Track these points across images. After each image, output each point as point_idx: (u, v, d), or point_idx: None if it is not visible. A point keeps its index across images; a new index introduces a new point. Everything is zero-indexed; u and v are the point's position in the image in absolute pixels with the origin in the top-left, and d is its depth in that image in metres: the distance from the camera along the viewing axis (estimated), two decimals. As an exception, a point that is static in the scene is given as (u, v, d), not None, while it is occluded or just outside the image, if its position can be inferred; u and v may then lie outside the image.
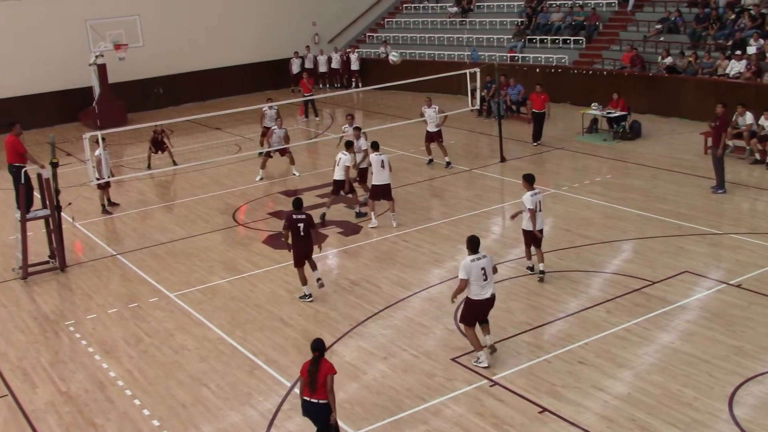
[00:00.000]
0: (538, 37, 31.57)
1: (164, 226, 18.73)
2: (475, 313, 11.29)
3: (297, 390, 10.90)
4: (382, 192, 17.26)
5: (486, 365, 11.25)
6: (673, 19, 28.10)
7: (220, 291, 14.69)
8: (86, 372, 12.04)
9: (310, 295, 13.91)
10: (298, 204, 13.77)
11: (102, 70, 31.05)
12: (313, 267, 14.03)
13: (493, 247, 15.83)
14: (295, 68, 36.29)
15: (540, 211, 13.94)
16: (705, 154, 20.84)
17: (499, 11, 35.38)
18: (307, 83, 30.00)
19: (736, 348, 11.35)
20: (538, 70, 29.52)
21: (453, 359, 11.57)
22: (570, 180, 19.88)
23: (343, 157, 17.69)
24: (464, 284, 11.07)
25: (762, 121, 20.31)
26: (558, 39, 30.90)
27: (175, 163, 23.48)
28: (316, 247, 14.02)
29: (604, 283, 13.88)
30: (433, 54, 34.89)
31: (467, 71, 23.37)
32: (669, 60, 26.14)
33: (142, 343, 12.84)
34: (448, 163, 21.80)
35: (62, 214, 16.40)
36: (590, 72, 28.31)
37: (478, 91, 23.82)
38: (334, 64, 37.02)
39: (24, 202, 16.04)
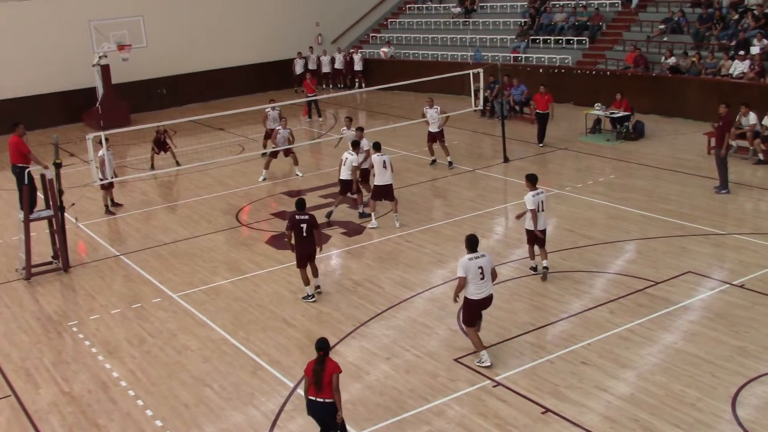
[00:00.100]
0: (541, 38, 31.56)
1: (167, 226, 18.75)
2: (475, 312, 11.36)
3: (300, 390, 10.93)
4: (385, 192, 17.27)
5: (488, 364, 11.26)
6: (676, 19, 28.06)
7: (223, 291, 14.70)
8: (89, 372, 12.05)
9: (312, 295, 13.92)
10: (301, 204, 13.77)
11: (105, 70, 31.10)
12: (315, 273, 14.04)
13: (496, 248, 15.83)
14: (299, 69, 36.30)
15: (542, 211, 13.94)
16: (708, 155, 20.82)
17: (502, 11, 35.36)
18: (311, 84, 30.01)
19: (739, 348, 11.33)
20: (541, 70, 29.51)
21: (456, 360, 11.57)
22: (573, 180, 19.86)
23: (350, 157, 17.69)
24: (463, 281, 11.14)
25: (765, 121, 20.28)
26: (561, 39, 30.87)
27: (178, 164, 23.51)
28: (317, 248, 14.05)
29: (607, 284, 13.86)
30: (436, 54, 34.89)
31: (470, 71, 23.36)
32: (672, 60, 26.11)
33: (145, 343, 12.85)
34: (450, 163, 21.80)
35: (65, 214, 16.43)
36: (593, 72, 28.28)
37: (481, 91, 23.81)
38: (338, 65, 37.02)
39: (27, 202, 16.07)
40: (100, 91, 31.44)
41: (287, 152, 21.99)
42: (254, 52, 36.59)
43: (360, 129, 19.18)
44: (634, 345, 11.61)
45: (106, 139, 18.97)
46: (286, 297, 14.20)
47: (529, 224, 13.97)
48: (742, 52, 24.75)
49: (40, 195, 16.69)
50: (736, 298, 12.89)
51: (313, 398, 8.98)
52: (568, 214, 17.40)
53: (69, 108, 32.02)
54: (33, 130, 26.92)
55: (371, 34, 39.21)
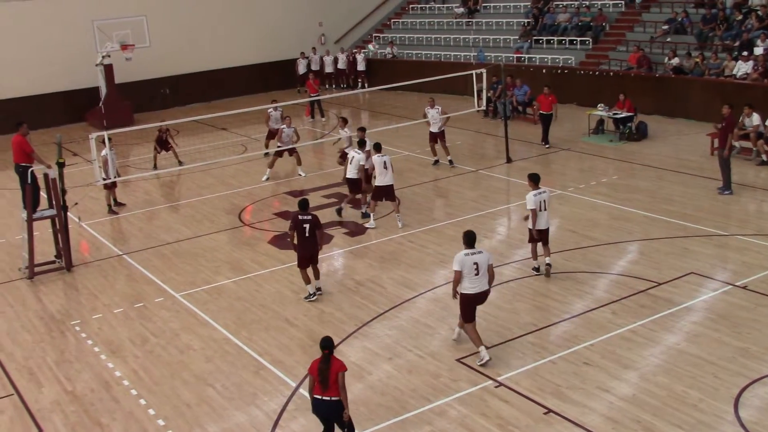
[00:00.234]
0: (544, 38, 31.56)
1: (170, 226, 18.77)
2: (472, 307, 11.46)
3: (302, 390, 10.94)
4: (386, 193, 17.28)
5: (487, 358, 11.30)
6: (679, 19, 28.06)
7: (225, 291, 14.71)
8: (92, 371, 12.06)
9: (314, 294, 13.93)
10: (303, 205, 13.77)
11: (109, 70, 31.14)
12: (316, 275, 14.05)
13: (498, 248, 15.83)
14: (302, 69, 36.32)
15: (545, 210, 13.95)
16: (711, 155, 20.80)
17: (505, 12, 35.37)
18: (313, 84, 30.03)
19: (741, 349, 11.32)
20: (544, 70, 29.51)
21: (458, 360, 11.57)
22: (576, 181, 19.85)
23: (357, 156, 17.68)
24: (458, 276, 11.28)
25: (769, 122, 20.29)
26: (564, 40, 30.87)
27: (180, 163, 23.55)
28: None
29: (610, 285, 13.86)
30: (439, 54, 34.90)
31: (473, 72, 23.37)
32: (676, 61, 26.09)
33: (147, 343, 12.87)
34: (451, 162, 21.88)
35: (68, 214, 16.44)
36: (597, 73, 28.28)
37: (484, 91, 23.80)
38: (341, 65, 37.03)
39: (30, 201, 16.09)
40: (104, 91, 31.47)
41: (291, 152, 22.01)
42: (257, 52, 36.61)
43: (362, 129, 19.17)
44: (636, 346, 11.61)
45: (109, 139, 19.01)
46: (289, 297, 14.21)
47: (532, 223, 14.00)
48: (745, 53, 24.74)
49: (43, 194, 16.71)
50: (738, 299, 12.88)
51: (319, 397, 8.99)
52: (570, 215, 17.39)
53: (72, 107, 32.05)
54: (36, 129, 26.94)
55: (374, 35, 39.22)
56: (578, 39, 30.39)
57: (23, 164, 17.02)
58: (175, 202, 20.93)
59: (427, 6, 38.99)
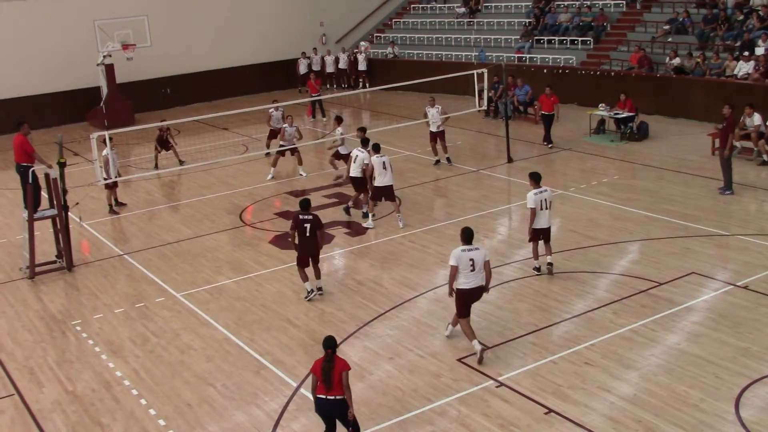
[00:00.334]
0: (545, 38, 31.55)
1: (171, 226, 18.77)
2: (466, 303, 11.57)
3: (303, 390, 10.95)
4: (385, 193, 17.28)
5: (480, 348, 11.38)
6: (681, 19, 28.04)
7: (226, 291, 14.72)
8: (93, 371, 12.06)
9: (312, 290, 13.92)
10: (305, 205, 13.78)
11: (110, 70, 31.15)
12: (317, 275, 14.05)
13: (499, 248, 15.83)
14: (303, 69, 36.32)
15: (547, 209, 13.96)
16: (712, 155, 20.79)
17: (506, 12, 35.37)
18: (315, 84, 30.03)
19: (742, 349, 11.31)
20: (545, 70, 29.50)
21: (459, 360, 11.57)
22: (577, 181, 19.85)
23: (360, 155, 17.66)
24: (454, 271, 11.42)
25: (770, 122, 20.27)
26: (566, 39, 30.86)
27: (181, 162, 23.56)
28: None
29: (611, 284, 13.85)
30: (440, 54, 34.90)
31: (475, 72, 23.36)
32: (677, 61, 26.08)
33: (148, 342, 12.87)
34: (449, 159, 22.00)
35: (69, 213, 16.44)
36: (598, 73, 28.27)
37: (485, 91, 23.80)
38: (342, 65, 37.04)
39: (32, 201, 16.09)
40: (105, 91, 31.48)
41: (292, 151, 22.01)
42: (258, 52, 36.62)
43: (362, 129, 19.16)
44: (637, 346, 11.60)
45: (110, 139, 19.01)
46: (290, 297, 14.21)
47: (534, 223, 14.01)
48: (746, 53, 24.72)
49: (44, 194, 16.71)
50: (739, 299, 12.87)
51: (324, 396, 9.00)
52: (571, 215, 17.39)
53: (73, 107, 32.06)
54: (37, 129, 26.96)
55: (375, 34, 39.23)
56: (579, 39, 30.38)
57: (24, 164, 17.03)
58: (176, 202, 20.93)
59: (429, 6, 38.99)
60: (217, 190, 21.31)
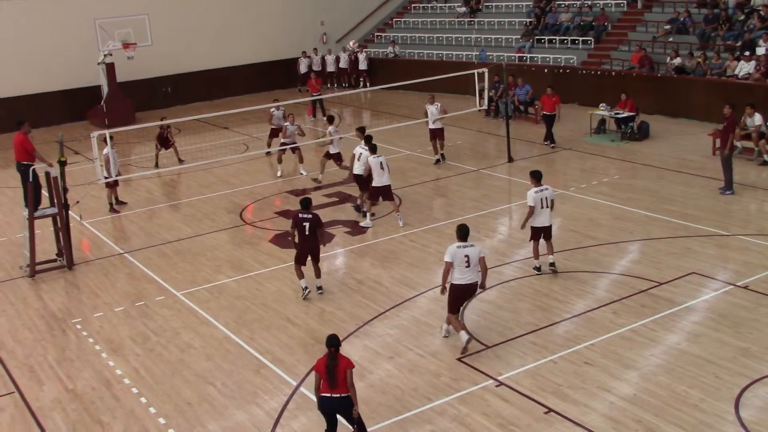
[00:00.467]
0: (546, 38, 31.54)
1: (171, 224, 18.77)
2: (458, 298, 11.75)
3: (303, 389, 10.95)
4: (383, 193, 17.29)
5: (467, 338, 11.50)
6: (682, 19, 28.03)
7: (226, 290, 14.72)
8: (93, 370, 12.07)
9: (307, 288, 13.92)
10: (305, 203, 13.80)
11: (110, 68, 31.16)
12: (317, 274, 14.06)
13: (500, 248, 15.83)
14: (303, 68, 36.32)
15: (547, 207, 13.98)
16: (713, 155, 20.79)
17: (507, 11, 35.36)
18: (315, 83, 30.04)
19: (742, 349, 11.31)
20: (546, 70, 29.49)
21: (459, 359, 11.57)
22: (578, 181, 19.84)
23: (364, 153, 17.59)
24: (448, 267, 11.57)
25: (771, 122, 20.26)
26: (566, 39, 30.85)
27: (180, 161, 23.57)
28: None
29: (611, 284, 13.85)
30: (441, 54, 34.89)
31: (475, 71, 23.34)
32: (678, 61, 26.07)
33: (148, 341, 12.87)
34: (443, 156, 22.11)
35: (70, 212, 16.44)
36: (599, 72, 28.25)
37: (486, 91, 23.80)
38: (342, 64, 37.03)
39: (32, 200, 16.09)
40: (105, 90, 31.49)
41: (294, 150, 22.00)
42: (259, 51, 36.61)
43: (361, 129, 19.13)
44: (637, 346, 11.60)
45: (111, 137, 19.00)
46: (290, 296, 14.21)
47: (534, 221, 14.05)
48: (747, 53, 24.71)
49: (44, 193, 16.71)
50: (739, 299, 12.87)
51: (328, 395, 9.01)
52: (572, 215, 17.38)
53: (74, 106, 32.05)
54: (38, 127, 26.93)
55: (376, 34, 39.23)
56: (580, 39, 30.36)
57: (25, 162, 17.03)
58: (177, 201, 20.93)
59: (429, 5, 38.98)
60: (218, 189, 21.32)
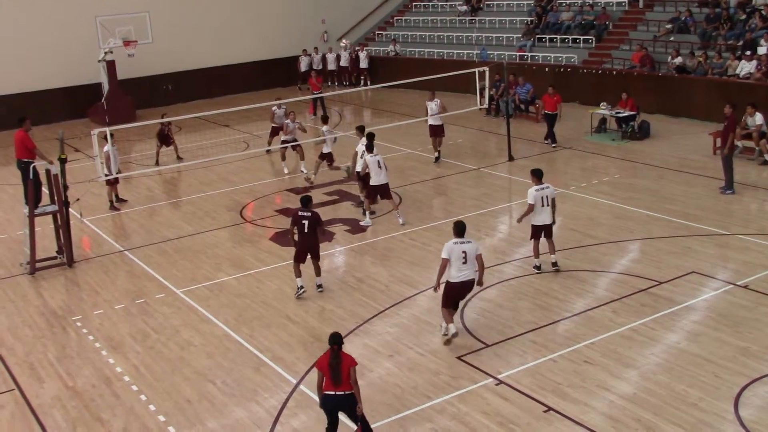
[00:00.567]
0: (547, 36, 31.52)
1: (172, 222, 18.78)
2: (453, 296, 11.85)
3: (303, 387, 10.96)
4: (381, 191, 17.31)
5: (454, 332, 11.64)
6: (683, 18, 28.00)
7: (226, 288, 14.72)
8: (93, 367, 12.08)
9: (302, 287, 13.90)
10: (305, 201, 13.80)
11: (111, 66, 31.17)
12: (317, 272, 14.05)
13: (500, 246, 15.84)
14: (303, 66, 36.32)
15: (547, 206, 13.99)
16: (714, 155, 20.78)
17: (508, 10, 35.33)
18: (316, 81, 30.03)
19: (742, 349, 11.31)
20: (547, 69, 29.47)
21: (459, 357, 11.57)
22: (578, 179, 19.84)
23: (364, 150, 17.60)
24: (445, 263, 11.63)
25: (771, 121, 20.23)
26: (567, 38, 30.82)
27: (179, 158, 23.57)
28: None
29: (611, 283, 13.85)
30: (442, 52, 34.88)
31: (476, 70, 23.33)
32: (679, 60, 26.05)
33: (148, 339, 12.88)
34: (439, 153, 22.09)
35: (70, 209, 16.45)
36: (600, 71, 28.23)
37: (486, 89, 23.80)
38: (343, 62, 37.03)
39: (32, 197, 16.10)
40: (106, 87, 31.52)
41: (295, 147, 22.00)
42: (260, 49, 36.62)
43: (360, 128, 19.10)
44: (637, 345, 11.60)
45: (111, 135, 18.99)
46: (290, 294, 14.20)
47: (534, 219, 14.07)
48: (749, 53, 24.69)
49: (45, 190, 16.72)
50: (739, 299, 12.86)
51: (332, 393, 9.02)
52: (572, 214, 17.38)
53: (74, 103, 32.08)
54: (39, 125, 26.95)
55: (377, 32, 39.23)
56: (581, 38, 30.34)
57: (25, 160, 17.05)
58: (177, 199, 20.94)
59: (430, 4, 38.98)
60: (218, 187, 21.33)
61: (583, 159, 22.04)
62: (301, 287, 13.91)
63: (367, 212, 17.56)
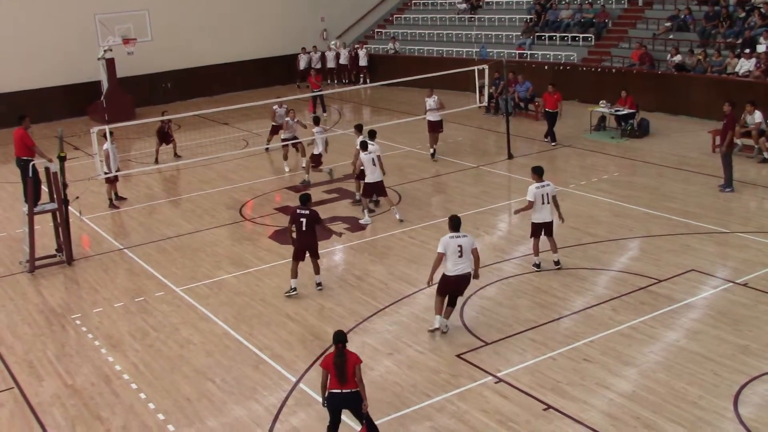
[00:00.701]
0: (546, 34, 31.51)
1: (171, 220, 18.77)
2: (448, 288, 11.96)
3: (303, 385, 10.95)
4: (376, 189, 17.35)
5: (437, 326, 11.86)
6: (682, 16, 28.00)
7: (226, 286, 14.72)
8: (92, 365, 12.07)
9: (295, 289, 13.88)
10: (304, 199, 13.79)
11: (110, 64, 31.13)
12: (316, 270, 14.05)
13: (499, 244, 15.84)
14: (303, 64, 36.30)
15: (547, 203, 14.01)
16: (713, 153, 20.78)
17: (508, 8, 35.31)
18: (315, 79, 30.01)
19: (741, 347, 11.32)
20: (546, 67, 29.47)
21: (458, 356, 11.57)
22: (577, 177, 19.84)
23: (371, 147, 17.59)
24: (440, 257, 11.78)
25: (771, 119, 20.25)
26: (567, 36, 30.82)
27: (176, 155, 23.57)
28: (335, 234, 14.55)
29: (611, 281, 13.85)
30: (441, 50, 34.86)
31: (475, 68, 23.33)
32: (678, 58, 26.05)
33: (148, 337, 12.88)
34: (435, 151, 22.09)
35: (69, 207, 16.44)
36: (599, 69, 28.23)
37: (486, 87, 23.79)
38: (342, 60, 37.01)
39: (32, 195, 16.08)
40: (105, 85, 31.48)
41: (295, 145, 21.99)
42: (259, 47, 36.57)
43: (358, 127, 19.07)
44: (636, 342, 11.61)
45: (111, 133, 19.00)
46: (289, 292, 14.21)
47: (534, 217, 14.07)
48: (748, 50, 24.69)
49: (44, 188, 16.71)
50: (739, 297, 12.87)
51: (338, 391, 9.03)
52: (572, 212, 17.33)
53: (74, 101, 32.04)
54: (38, 123, 26.94)
55: (377, 30, 39.20)
56: (581, 36, 30.34)
57: (25, 158, 17.06)
58: (176, 197, 20.94)
59: (430, 2, 38.93)
60: (218, 185, 21.32)
61: (582, 157, 22.04)
62: (293, 288, 13.87)
63: (365, 210, 17.56)
